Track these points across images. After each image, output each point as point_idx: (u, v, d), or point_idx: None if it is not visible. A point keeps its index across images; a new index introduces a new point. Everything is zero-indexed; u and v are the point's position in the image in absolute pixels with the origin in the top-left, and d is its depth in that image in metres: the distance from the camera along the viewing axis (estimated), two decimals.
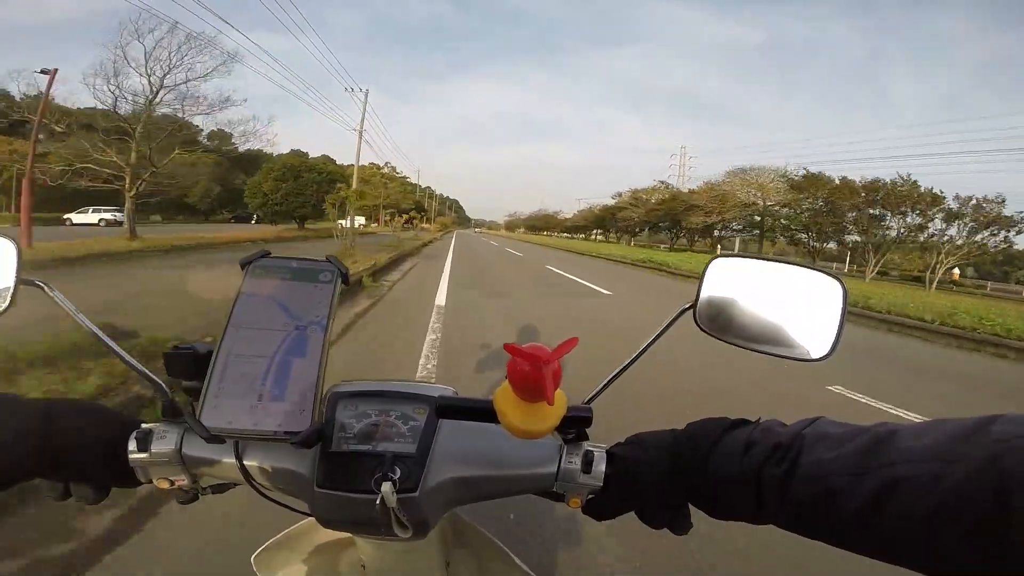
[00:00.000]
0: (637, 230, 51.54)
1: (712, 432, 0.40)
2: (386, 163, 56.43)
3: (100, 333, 0.43)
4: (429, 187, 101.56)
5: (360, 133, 27.40)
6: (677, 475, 0.40)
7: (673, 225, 42.73)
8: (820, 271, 0.44)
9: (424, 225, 51.94)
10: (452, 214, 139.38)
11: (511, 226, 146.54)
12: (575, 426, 0.43)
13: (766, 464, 0.36)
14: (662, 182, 48.28)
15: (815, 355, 0.43)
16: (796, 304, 0.44)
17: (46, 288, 0.43)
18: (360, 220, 45.28)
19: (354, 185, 21.63)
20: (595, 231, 68.20)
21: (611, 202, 57.81)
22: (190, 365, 0.41)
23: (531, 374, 0.35)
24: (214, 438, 0.36)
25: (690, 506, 0.41)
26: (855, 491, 0.32)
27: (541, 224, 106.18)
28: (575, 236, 73.82)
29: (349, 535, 0.58)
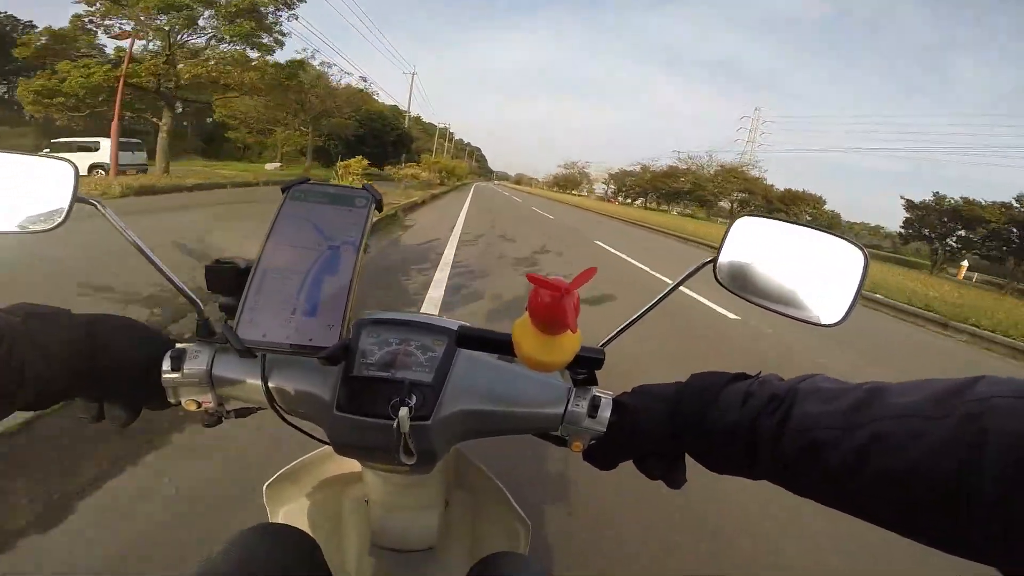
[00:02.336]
0: None
1: (713, 385, 0.40)
2: None
3: (146, 249, 0.45)
4: (447, 126, 65.36)
5: None
6: (677, 427, 0.41)
7: None
8: (844, 238, 0.44)
9: (408, 171, 23.48)
10: (473, 163, 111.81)
11: (568, 182, 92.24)
12: (587, 367, 0.44)
13: (761, 415, 0.36)
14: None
15: (828, 320, 0.44)
16: (816, 269, 0.45)
17: (99, 206, 0.45)
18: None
19: None
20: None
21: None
22: (230, 279, 0.42)
23: (553, 305, 0.36)
24: (247, 351, 0.38)
25: (688, 460, 0.43)
26: (839, 445, 0.32)
27: (689, 182, 49.59)
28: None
29: (358, 470, 0.60)
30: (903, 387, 0.33)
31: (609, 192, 72.90)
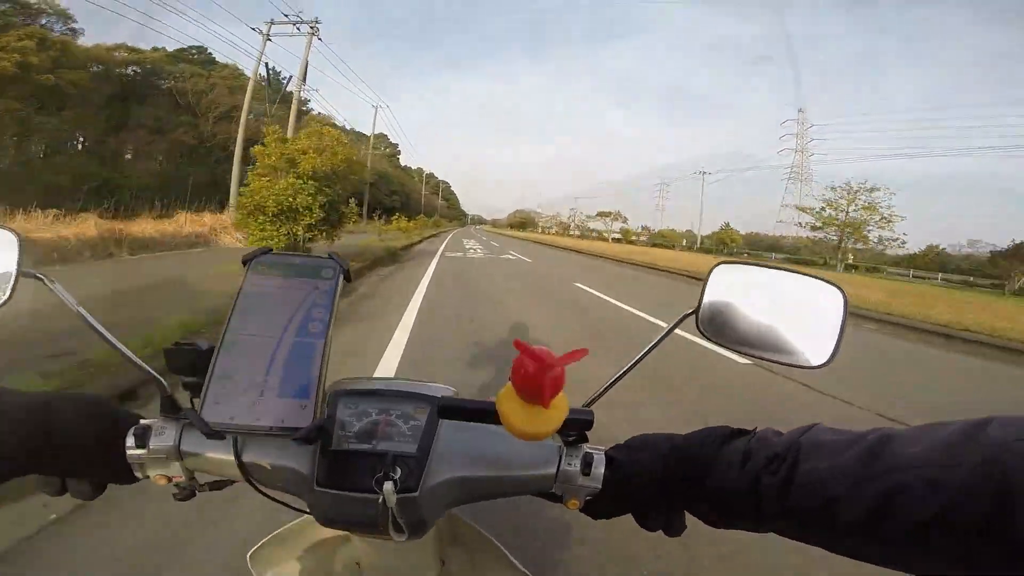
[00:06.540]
0: None
1: (710, 444, 0.40)
2: None
3: (99, 327, 0.43)
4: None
5: None
6: (675, 485, 0.40)
7: None
8: (821, 279, 0.45)
9: None
10: (441, 203, 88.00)
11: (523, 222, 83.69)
12: (576, 429, 0.43)
13: (763, 475, 0.36)
14: None
15: (815, 362, 0.44)
16: (797, 311, 0.45)
17: (46, 280, 0.43)
18: None
19: None
20: None
21: None
22: (192, 361, 0.41)
23: (534, 376, 0.35)
24: (214, 433, 0.36)
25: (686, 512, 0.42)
26: (854, 500, 0.32)
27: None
28: None
29: (346, 534, 0.58)
30: (910, 434, 0.33)
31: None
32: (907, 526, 0.30)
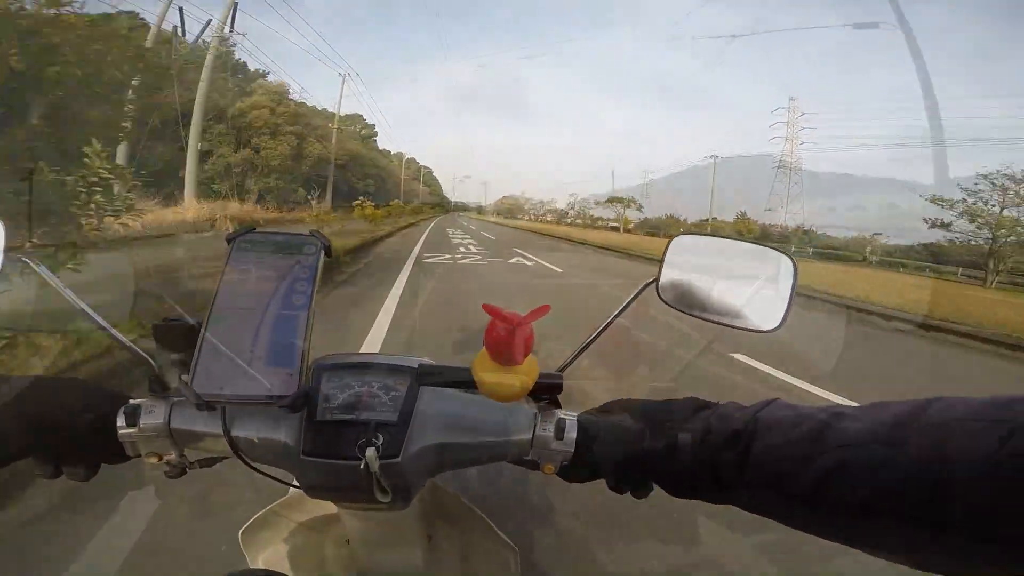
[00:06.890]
0: None
1: (674, 419, 0.42)
2: None
3: (88, 309, 0.44)
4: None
5: None
6: (640, 460, 0.42)
7: None
8: (772, 248, 0.48)
9: None
10: (422, 188, 67.05)
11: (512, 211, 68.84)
12: (547, 392, 0.45)
13: (723, 451, 0.38)
14: None
15: (767, 326, 0.47)
16: (751, 279, 0.48)
17: (33, 264, 0.44)
18: None
19: None
20: None
21: None
22: (180, 336, 0.42)
23: (504, 337, 0.37)
24: (205, 405, 0.37)
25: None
26: (802, 476, 0.33)
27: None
28: None
29: (334, 511, 0.59)
30: (858, 413, 0.35)
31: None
32: (851, 502, 0.32)
